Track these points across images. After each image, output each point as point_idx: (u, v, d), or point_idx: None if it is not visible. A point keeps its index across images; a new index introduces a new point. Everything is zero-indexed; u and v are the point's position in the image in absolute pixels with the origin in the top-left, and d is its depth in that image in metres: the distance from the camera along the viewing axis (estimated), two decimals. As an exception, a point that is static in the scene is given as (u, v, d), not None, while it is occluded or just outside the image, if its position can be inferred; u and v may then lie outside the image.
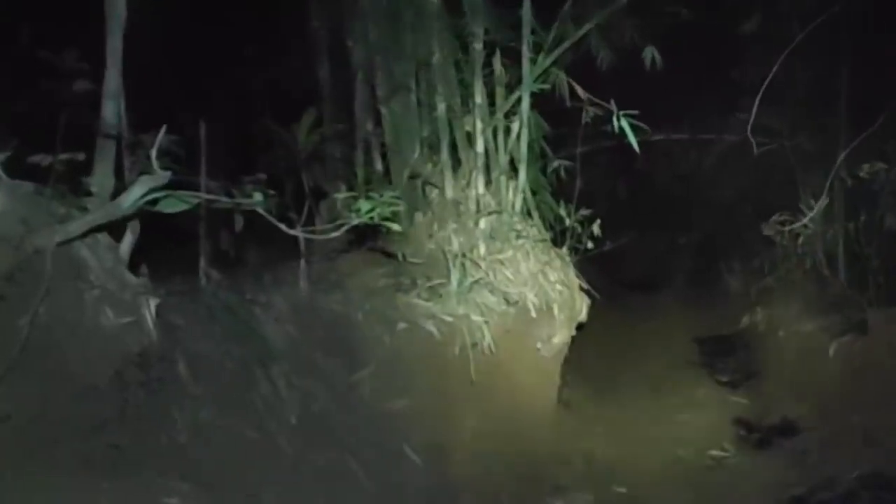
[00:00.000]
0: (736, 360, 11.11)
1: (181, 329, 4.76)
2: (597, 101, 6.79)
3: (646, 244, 13.98)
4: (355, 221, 4.70)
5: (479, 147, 7.35)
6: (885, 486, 6.42)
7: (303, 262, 5.79)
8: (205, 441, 4.35)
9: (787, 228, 9.85)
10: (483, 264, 7.04)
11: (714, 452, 8.13)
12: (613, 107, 5.96)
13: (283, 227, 4.63)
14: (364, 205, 4.59)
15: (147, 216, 4.50)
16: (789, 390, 9.08)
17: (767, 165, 10.12)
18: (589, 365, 10.53)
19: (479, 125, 7.27)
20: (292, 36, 7.66)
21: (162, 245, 5.41)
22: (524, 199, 7.97)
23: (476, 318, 6.34)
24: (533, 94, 7.78)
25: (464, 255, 6.67)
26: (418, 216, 7.27)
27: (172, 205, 4.19)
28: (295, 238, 5.65)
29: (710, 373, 10.79)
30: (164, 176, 4.04)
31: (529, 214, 8.09)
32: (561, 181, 8.71)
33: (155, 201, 4.19)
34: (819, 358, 8.47)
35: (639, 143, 6.00)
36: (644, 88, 10.19)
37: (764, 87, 6.56)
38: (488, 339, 6.40)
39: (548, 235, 8.01)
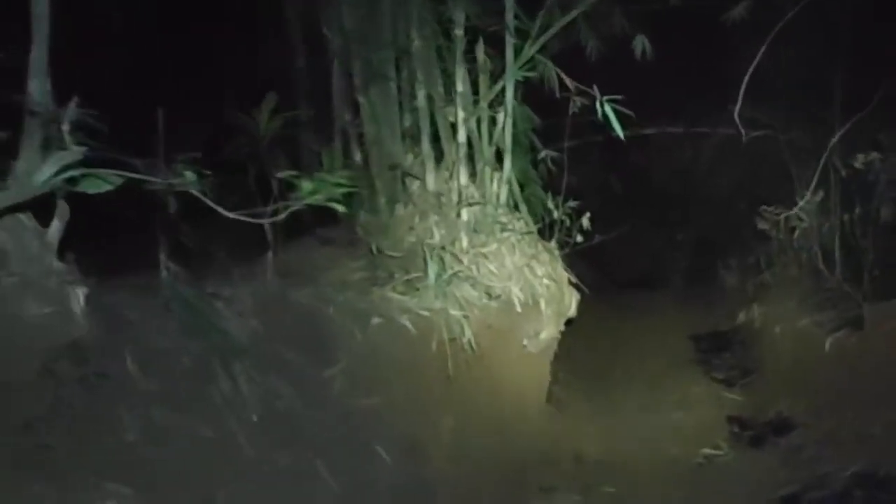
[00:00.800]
0: (732, 356, 10.94)
1: (134, 323, 4.40)
2: (584, 89, 6.30)
3: (642, 240, 13.58)
4: (297, 205, 4.31)
5: (462, 137, 7.03)
6: (879, 484, 6.22)
7: (270, 254, 5.38)
8: (153, 440, 4.05)
9: (781, 221, 9.70)
10: (465, 258, 6.67)
11: (707, 451, 7.91)
12: (597, 93, 5.59)
13: (220, 209, 4.22)
14: (305, 186, 4.23)
15: (104, 204, 4.13)
16: (785, 387, 8.87)
17: (763, 158, 10.13)
18: (582, 362, 10.46)
19: (460, 114, 6.91)
20: (266, 22, 7.26)
21: (121, 236, 5.09)
22: (510, 192, 7.60)
23: (454, 312, 5.97)
24: (522, 85, 7.55)
25: (443, 248, 6.34)
26: (399, 208, 6.88)
27: (94, 185, 3.85)
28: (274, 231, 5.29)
29: (706, 370, 10.61)
30: (77, 152, 3.70)
31: (517, 207, 7.73)
32: (552, 174, 8.41)
33: (77, 181, 3.82)
34: (815, 354, 8.24)
35: (633, 137, 5.61)
36: (636, 79, 9.96)
37: (748, 75, 6.09)
38: (468, 334, 6.08)
39: (535, 228, 7.61)
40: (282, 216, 4.51)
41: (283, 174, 4.70)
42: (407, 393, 5.59)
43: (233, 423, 4.61)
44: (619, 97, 5.65)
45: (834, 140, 7.48)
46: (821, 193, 9.00)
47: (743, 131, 6.37)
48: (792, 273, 10.03)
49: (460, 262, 6.71)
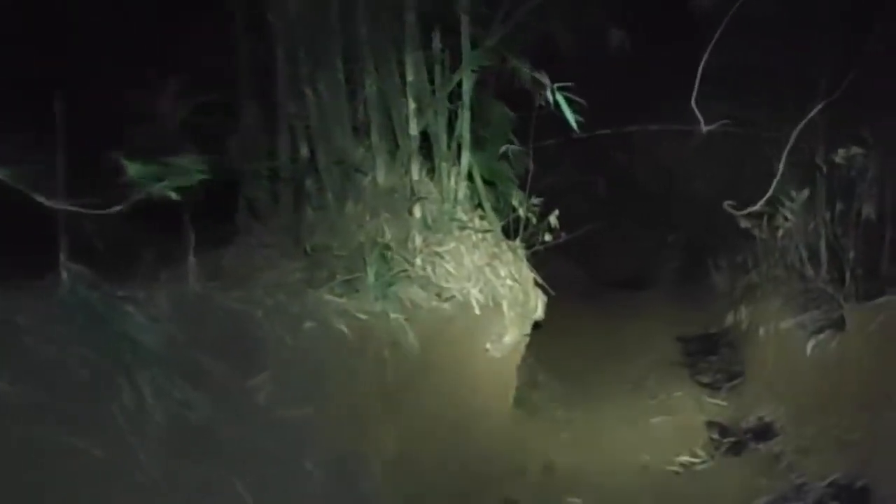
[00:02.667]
0: (719, 359, 10.65)
1: (22, 329, 3.85)
2: (540, 79, 5.80)
3: (630, 240, 13.15)
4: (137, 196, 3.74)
5: (413, 130, 6.44)
6: (854, 496, 5.91)
7: (191, 255, 4.84)
8: (29, 462, 3.43)
9: (764, 220, 9.20)
10: (418, 257, 6.12)
11: (684, 458, 7.61)
12: (546, 81, 5.11)
13: (42, 199, 3.67)
14: (133, 168, 3.64)
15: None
16: (769, 391, 8.57)
17: (749, 155, 9.81)
18: (564, 366, 10.21)
19: (411, 106, 6.32)
20: (205, 8, 6.70)
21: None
22: (472, 188, 7.06)
23: (396, 315, 5.37)
24: (499, 79, 6.96)
25: (386, 247, 5.77)
26: (349, 205, 6.32)
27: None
28: (217, 230, 4.78)
29: (692, 373, 10.32)
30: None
31: (481, 205, 7.09)
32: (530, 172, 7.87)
33: None
34: (798, 357, 7.80)
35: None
36: (614, 74, 9.48)
37: (703, 63, 5.55)
38: (411, 338, 5.46)
39: (498, 227, 7.05)
40: (117, 208, 3.85)
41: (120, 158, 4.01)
42: (342, 402, 5.08)
43: (133, 439, 4.04)
44: (569, 84, 5.02)
45: (793, 133, 6.77)
46: (806, 191, 8.54)
47: (702, 122, 5.75)
48: (778, 273, 9.56)
49: (411, 261, 6.06)
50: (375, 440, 5.35)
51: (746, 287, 10.72)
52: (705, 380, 10.02)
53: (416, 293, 5.93)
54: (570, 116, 5.49)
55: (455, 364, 6.41)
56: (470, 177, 7.22)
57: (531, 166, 8.06)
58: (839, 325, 7.39)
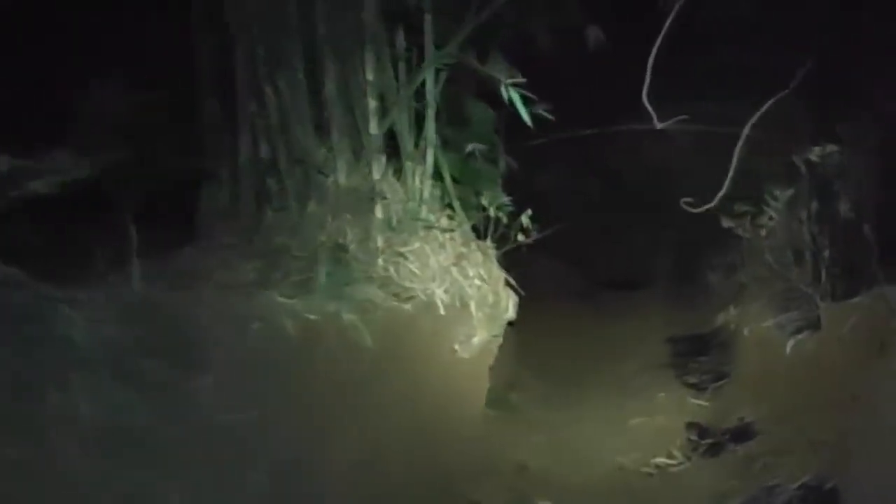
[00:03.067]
0: (709, 360, 10.43)
1: None
2: (492, 75, 5.68)
3: (624, 240, 13.01)
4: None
5: (374, 129, 6.28)
6: (823, 498, 5.86)
7: (135, 255, 4.71)
8: None
9: (748, 219, 9.15)
10: (381, 258, 5.97)
11: (659, 460, 7.52)
12: (502, 77, 4.98)
13: None
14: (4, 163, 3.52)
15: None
16: (751, 392, 8.47)
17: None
18: (549, 366, 10.20)
19: (371, 105, 6.19)
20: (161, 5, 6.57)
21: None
22: (443, 188, 6.96)
23: (349, 316, 5.23)
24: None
25: (340, 247, 5.64)
26: (311, 205, 6.18)
27: None
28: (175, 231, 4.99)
29: (679, 374, 10.17)
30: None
31: (451, 206, 6.96)
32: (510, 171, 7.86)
33: None
34: (778, 358, 7.74)
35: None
36: (596, 73, 9.34)
37: (653, 54, 5.40)
38: (367, 339, 5.31)
39: (468, 226, 6.91)
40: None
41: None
42: (289, 406, 4.88)
43: (60, 443, 3.88)
44: (521, 81, 4.89)
45: (748, 126, 6.63)
46: (791, 191, 8.43)
47: (655, 118, 5.60)
48: (762, 273, 9.34)
49: (372, 262, 5.93)
50: (328, 445, 5.16)
51: (735, 287, 10.58)
52: (692, 380, 9.82)
53: (373, 293, 5.78)
54: (525, 113, 5.30)
55: (419, 365, 6.26)
56: (441, 176, 6.94)
57: (512, 165, 8.20)
58: (817, 325, 7.33)
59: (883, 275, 6.68)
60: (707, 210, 5.77)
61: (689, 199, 5.94)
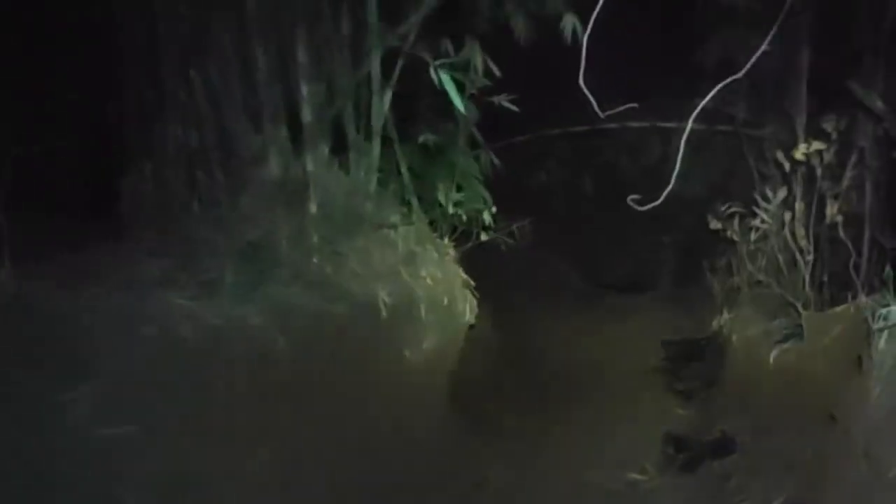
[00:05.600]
0: (702, 366, 9.64)
1: None
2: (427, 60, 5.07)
3: (625, 242, 12.36)
4: None
5: (307, 117, 5.57)
6: None
7: (5, 249, 4.05)
8: None
9: (737, 222, 8.46)
10: (315, 256, 5.27)
11: (632, 475, 6.82)
12: (427, 57, 4.33)
13: None
14: None
15: None
16: (735, 403, 7.74)
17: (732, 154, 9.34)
18: (535, 370, 9.46)
19: (304, 90, 5.50)
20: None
21: None
22: (399, 182, 6.20)
23: (257, 321, 4.53)
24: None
25: (252, 244, 4.94)
26: (242, 199, 5.49)
27: None
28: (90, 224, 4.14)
29: (670, 380, 9.46)
30: None
31: (406, 201, 6.28)
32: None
33: None
34: (763, 367, 7.13)
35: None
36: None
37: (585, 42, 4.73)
38: (283, 346, 4.62)
39: (424, 223, 6.23)
40: None
41: None
42: (176, 420, 4.18)
43: None
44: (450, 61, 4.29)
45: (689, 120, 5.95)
46: (783, 191, 7.69)
47: (595, 103, 4.92)
48: (754, 277, 8.55)
49: (305, 261, 5.23)
50: (226, 462, 4.44)
51: (730, 291, 9.68)
52: (680, 387, 9.17)
53: (295, 295, 5.05)
54: (457, 99, 4.65)
55: (357, 373, 5.58)
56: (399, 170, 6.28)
57: (495, 162, 7.74)
58: (801, 335, 6.76)
59: (867, 284, 6.25)
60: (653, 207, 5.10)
61: (636, 196, 5.26)
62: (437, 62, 4.95)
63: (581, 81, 4.75)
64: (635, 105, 5.43)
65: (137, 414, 4.26)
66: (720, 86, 4.98)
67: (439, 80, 4.96)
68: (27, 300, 4.37)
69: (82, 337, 4.36)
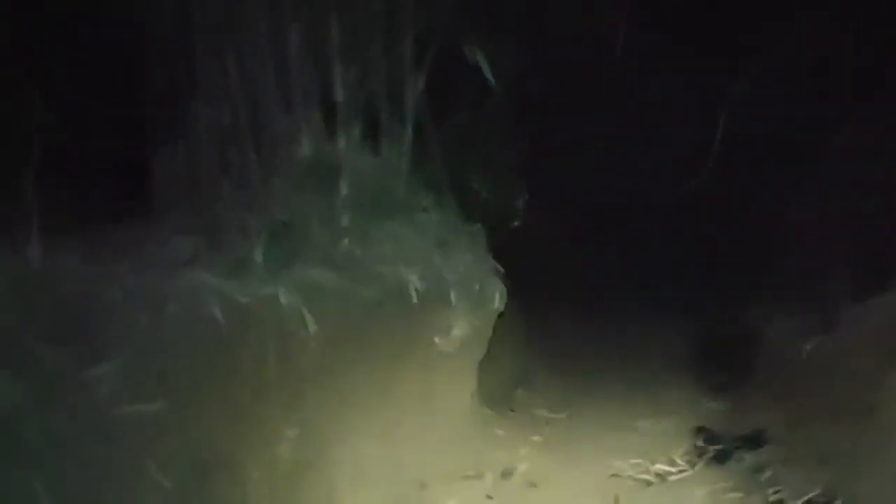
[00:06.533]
0: (732, 360, 9.34)
1: None
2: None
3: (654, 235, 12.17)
4: None
5: (339, 95, 5.45)
6: None
7: (34, 225, 3.94)
8: None
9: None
10: (346, 238, 5.15)
11: (660, 467, 6.69)
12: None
13: None
14: None
15: None
16: (768, 395, 7.63)
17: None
18: (566, 362, 9.27)
19: (337, 70, 5.38)
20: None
21: None
22: (432, 166, 6.15)
23: (287, 300, 4.40)
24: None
25: (283, 223, 4.82)
26: (275, 180, 5.37)
27: None
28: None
29: (699, 375, 9.29)
30: None
31: (439, 186, 6.29)
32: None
33: None
34: (796, 359, 6.98)
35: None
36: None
37: None
38: (312, 328, 4.47)
39: (456, 209, 6.11)
40: None
41: None
42: (204, 399, 4.10)
43: None
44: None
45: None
46: (811, 179, 7.85)
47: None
48: (785, 269, 8.75)
49: (335, 243, 5.10)
50: (255, 444, 4.31)
51: (758, 282, 9.64)
52: (712, 380, 9.00)
53: (325, 277, 4.92)
54: (490, 76, 4.53)
55: (386, 357, 5.43)
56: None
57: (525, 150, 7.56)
58: (836, 327, 6.63)
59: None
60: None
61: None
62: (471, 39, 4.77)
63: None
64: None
65: (164, 392, 4.11)
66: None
67: (474, 57, 4.80)
68: (54, 276, 4.24)
69: (109, 314, 4.25)
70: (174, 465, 4.03)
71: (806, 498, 5.56)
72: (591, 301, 10.86)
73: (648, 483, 6.54)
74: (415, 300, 5.81)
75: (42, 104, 5.06)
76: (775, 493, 5.89)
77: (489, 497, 6.21)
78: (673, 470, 6.70)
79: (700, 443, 7.21)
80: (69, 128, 4.85)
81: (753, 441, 6.93)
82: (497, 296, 6.56)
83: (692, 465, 6.81)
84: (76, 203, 4.76)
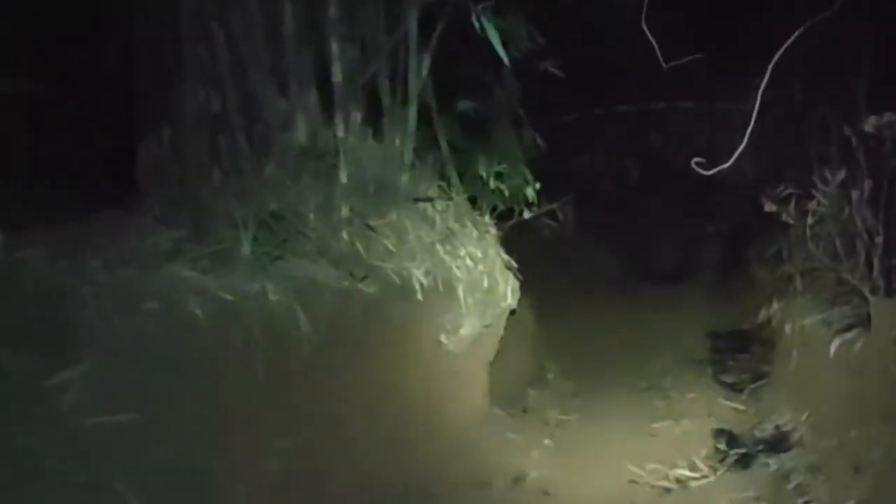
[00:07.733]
0: (749, 358, 9.27)
1: None
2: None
3: (669, 230, 11.80)
4: None
5: (338, 79, 4.96)
6: None
7: None
8: None
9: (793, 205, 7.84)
10: (345, 230, 4.67)
11: (680, 472, 6.28)
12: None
13: None
14: None
15: None
16: (791, 396, 7.24)
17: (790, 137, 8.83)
18: (579, 362, 8.98)
19: (334, 48, 4.90)
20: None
21: None
22: (438, 153, 5.82)
23: (277, 297, 3.91)
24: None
25: (273, 214, 4.34)
26: (269, 168, 4.89)
27: None
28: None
29: (716, 373, 8.93)
30: None
31: (445, 174, 5.93)
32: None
33: None
34: (822, 358, 6.46)
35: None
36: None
37: None
38: (304, 326, 3.99)
39: (463, 199, 5.64)
40: None
41: None
42: (182, 407, 3.61)
43: None
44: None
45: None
46: (843, 172, 7.06)
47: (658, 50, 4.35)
48: (810, 264, 8.02)
49: (333, 235, 4.64)
50: (241, 457, 3.83)
51: (780, 279, 9.15)
52: (729, 380, 8.66)
53: (320, 272, 4.47)
54: (501, 49, 4.07)
55: (387, 360, 5.00)
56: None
57: (538, 141, 7.31)
58: (866, 323, 6.10)
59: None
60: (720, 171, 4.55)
61: (700, 160, 4.69)
62: (481, 6, 4.31)
63: (643, 24, 4.24)
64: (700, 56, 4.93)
65: (139, 400, 3.64)
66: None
67: (482, 26, 4.36)
68: (21, 272, 3.77)
69: (80, 312, 3.83)
70: (148, 483, 3.49)
71: (837, 509, 4.98)
72: (607, 296, 10.51)
73: (668, 490, 6.14)
74: (419, 297, 5.40)
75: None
76: (806, 503, 5.52)
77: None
78: (694, 475, 6.29)
79: (721, 446, 6.80)
80: (43, 111, 4.36)
81: (777, 445, 6.56)
82: (509, 292, 6.03)
83: (714, 470, 6.40)
84: (42, 191, 4.23)
